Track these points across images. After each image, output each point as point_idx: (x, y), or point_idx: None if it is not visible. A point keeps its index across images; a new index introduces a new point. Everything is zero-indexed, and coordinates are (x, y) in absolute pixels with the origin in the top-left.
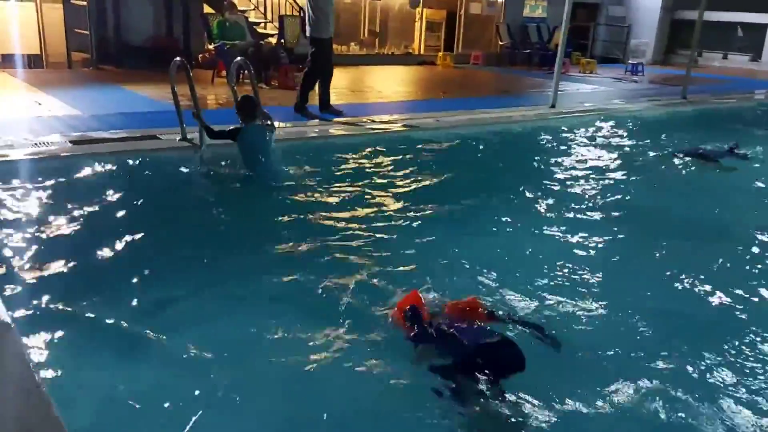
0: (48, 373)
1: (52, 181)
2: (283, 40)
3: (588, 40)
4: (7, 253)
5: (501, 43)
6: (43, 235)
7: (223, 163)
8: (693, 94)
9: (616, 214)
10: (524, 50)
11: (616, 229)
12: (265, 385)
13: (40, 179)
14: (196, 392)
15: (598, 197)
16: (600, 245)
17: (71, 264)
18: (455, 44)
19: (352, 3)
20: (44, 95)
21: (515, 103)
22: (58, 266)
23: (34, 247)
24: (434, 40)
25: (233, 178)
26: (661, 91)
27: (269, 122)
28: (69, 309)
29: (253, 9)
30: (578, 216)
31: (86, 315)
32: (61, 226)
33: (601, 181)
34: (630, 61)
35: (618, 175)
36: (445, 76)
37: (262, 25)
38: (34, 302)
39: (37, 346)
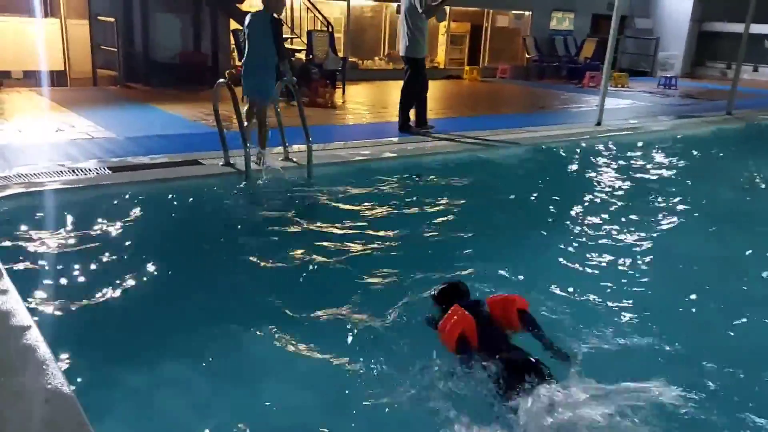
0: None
1: (93, 213)
2: (311, 56)
3: (617, 53)
4: (53, 286)
5: (528, 56)
6: (88, 270)
7: (269, 190)
8: (735, 108)
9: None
10: (552, 63)
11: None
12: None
13: (80, 211)
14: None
15: (667, 220)
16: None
17: (117, 298)
18: (480, 57)
19: (373, 17)
20: (74, 115)
21: (556, 119)
22: (106, 300)
23: (80, 281)
24: (457, 53)
25: (281, 206)
26: (703, 107)
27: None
28: (111, 341)
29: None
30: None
31: (126, 348)
32: (104, 260)
33: (670, 204)
34: (661, 74)
35: (687, 197)
36: (475, 91)
37: (289, 40)
38: (75, 332)
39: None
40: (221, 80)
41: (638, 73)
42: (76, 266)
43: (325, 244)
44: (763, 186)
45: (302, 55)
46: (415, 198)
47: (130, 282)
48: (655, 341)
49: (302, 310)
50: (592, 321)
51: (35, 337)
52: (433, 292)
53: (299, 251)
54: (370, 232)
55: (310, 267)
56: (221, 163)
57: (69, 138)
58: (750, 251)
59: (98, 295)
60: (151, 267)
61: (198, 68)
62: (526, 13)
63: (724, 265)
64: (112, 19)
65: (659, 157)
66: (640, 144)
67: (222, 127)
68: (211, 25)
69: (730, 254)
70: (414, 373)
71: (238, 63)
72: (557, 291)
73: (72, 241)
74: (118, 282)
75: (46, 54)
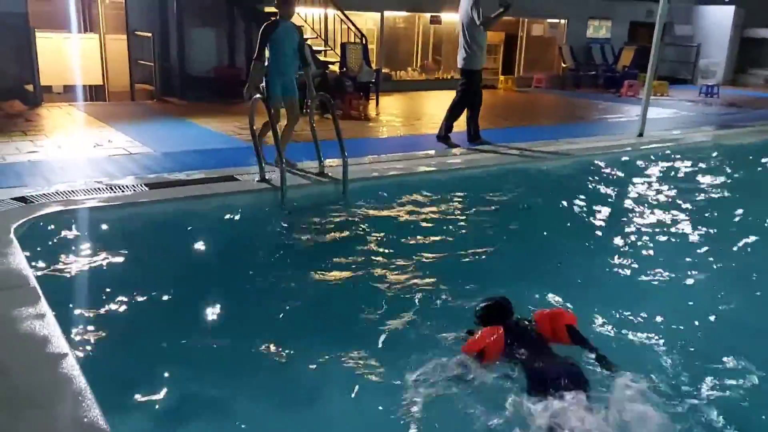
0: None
1: (130, 232)
2: (345, 68)
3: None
4: (91, 309)
5: (564, 65)
6: (125, 291)
7: (305, 206)
8: None
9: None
10: (589, 72)
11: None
12: None
13: (117, 230)
14: None
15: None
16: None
17: (154, 320)
18: (516, 67)
19: (406, 28)
20: (112, 130)
21: (596, 131)
22: (144, 323)
23: (118, 303)
24: (491, 63)
25: (316, 224)
26: (749, 115)
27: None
28: (148, 365)
29: (315, 37)
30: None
31: (163, 371)
32: (141, 281)
33: (722, 219)
34: (702, 82)
35: (741, 212)
36: (512, 101)
37: (323, 53)
38: (111, 356)
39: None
40: (257, 95)
41: (678, 81)
42: (113, 288)
43: (361, 262)
44: None
45: (336, 68)
46: (454, 213)
47: (170, 304)
48: (705, 363)
49: (338, 330)
50: (638, 336)
51: (71, 366)
52: (477, 310)
53: (334, 270)
54: (408, 249)
55: (347, 286)
56: (257, 179)
57: (107, 154)
58: None
59: (135, 318)
60: (189, 288)
61: (232, 82)
62: (562, 21)
63: None
64: (149, 34)
65: (707, 170)
66: (684, 156)
67: (257, 142)
68: (245, 39)
69: None
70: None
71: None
72: (604, 307)
73: (109, 261)
74: (156, 304)
75: (86, 69)
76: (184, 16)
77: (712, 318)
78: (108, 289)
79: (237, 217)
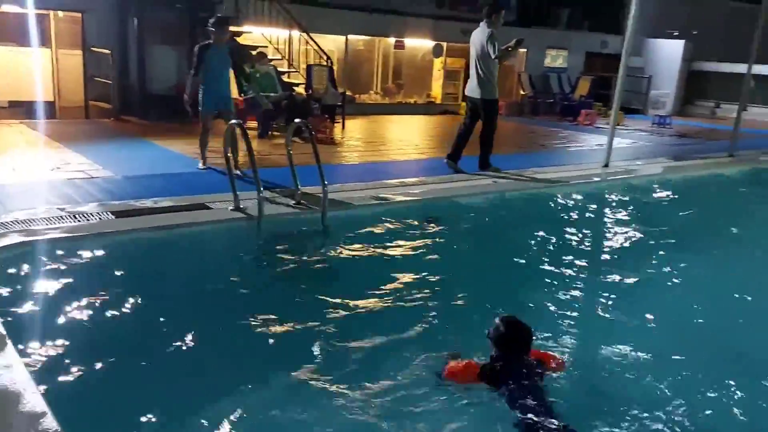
0: None
1: (98, 266)
2: (310, 91)
3: (610, 91)
4: (60, 352)
5: (523, 92)
6: (96, 331)
7: (282, 238)
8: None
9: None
10: (547, 100)
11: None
12: None
13: (84, 263)
14: None
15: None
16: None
17: (127, 360)
18: None
19: (366, 51)
20: (69, 151)
21: (561, 160)
22: (116, 364)
23: (89, 343)
24: (451, 89)
25: (295, 257)
26: (704, 147)
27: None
28: (121, 405)
29: (281, 59)
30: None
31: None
32: (112, 320)
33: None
34: (654, 113)
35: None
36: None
37: (287, 74)
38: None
39: None
40: (234, 121)
41: (631, 111)
42: (80, 327)
43: (343, 296)
44: None
45: (301, 89)
46: (432, 243)
47: (143, 343)
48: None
49: (315, 371)
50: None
51: (50, 426)
52: (499, 330)
53: (314, 307)
54: (389, 280)
55: (326, 325)
56: (230, 208)
57: (65, 177)
58: None
59: (108, 358)
60: (160, 326)
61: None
62: (521, 49)
63: None
64: (107, 51)
65: (675, 202)
66: (651, 187)
67: (232, 169)
68: None
69: None
70: None
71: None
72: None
73: (77, 299)
74: (129, 343)
75: (34, 84)
76: (145, 33)
77: (685, 348)
78: (74, 328)
79: (211, 250)
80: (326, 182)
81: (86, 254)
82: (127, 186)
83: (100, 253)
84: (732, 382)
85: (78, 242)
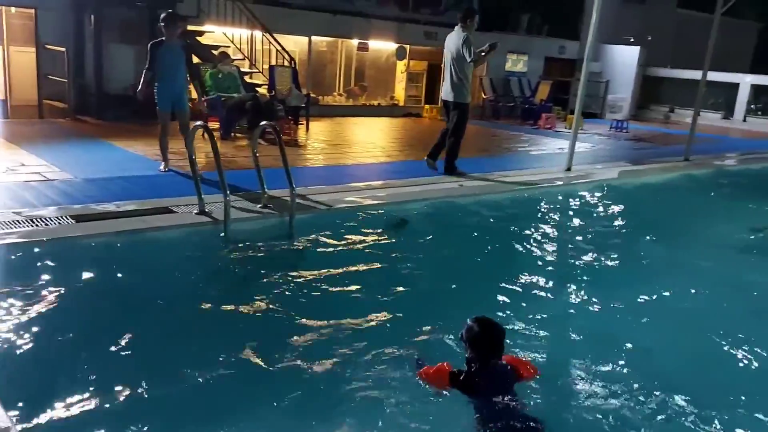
0: None
1: (58, 273)
2: (273, 92)
3: (568, 95)
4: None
5: (484, 96)
6: (57, 343)
7: (249, 242)
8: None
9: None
10: (508, 104)
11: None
12: None
13: (43, 270)
14: None
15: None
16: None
17: (91, 374)
18: (438, 96)
19: (329, 53)
20: (23, 152)
21: (524, 163)
22: (78, 377)
23: (51, 356)
24: (414, 91)
25: (263, 261)
26: (661, 151)
27: None
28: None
29: (243, 59)
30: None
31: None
32: (73, 330)
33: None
34: (612, 117)
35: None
36: (438, 130)
37: (249, 75)
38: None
39: None
40: (198, 123)
41: (588, 115)
42: (39, 336)
43: (312, 304)
44: None
45: (264, 90)
46: (399, 247)
47: (105, 350)
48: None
49: (284, 384)
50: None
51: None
52: (473, 331)
53: (281, 315)
54: (359, 286)
55: (295, 331)
56: (195, 212)
57: (21, 179)
58: None
59: (65, 367)
60: (124, 334)
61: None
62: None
63: None
64: (63, 49)
65: (636, 205)
66: (613, 191)
67: (197, 172)
68: None
69: None
70: None
71: (194, 97)
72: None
73: (34, 306)
74: (89, 351)
75: None
76: (102, 30)
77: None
78: (30, 337)
79: (176, 255)
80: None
81: (44, 260)
82: (87, 189)
83: (59, 259)
84: (701, 380)
85: (36, 248)
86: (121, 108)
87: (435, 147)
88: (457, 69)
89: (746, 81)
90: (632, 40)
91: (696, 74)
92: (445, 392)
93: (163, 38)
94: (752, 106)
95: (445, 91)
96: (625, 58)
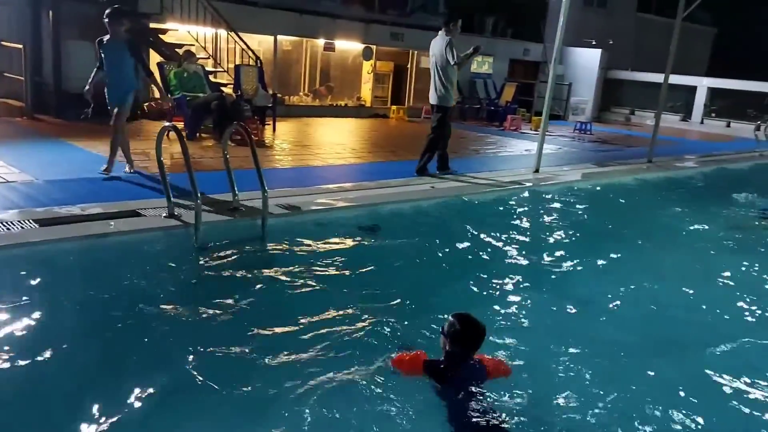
0: None
1: (23, 280)
2: (239, 92)
3: (533, 97)
4: None
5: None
6: (17, 349)
7: (220, 247)
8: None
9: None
10: (473, 105)
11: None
12: None
13: (6, 278)
14: None
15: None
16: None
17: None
18: (405, 97)
19: (295, 52)
20: None
21: (493, 165)
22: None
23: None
24: (381, 92)
25: (235, 266)
26: (625, 153)
27: None
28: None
29: (207, 57)
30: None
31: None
32: (33, 336)
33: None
34: (574, 119)
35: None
36: (405, 132)
37: (214, 74)
38: None
39: None
40: (167, 124)
41: (552, 117)
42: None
43: (286, 309)
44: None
45: (229, 90)
46: (372, 250)
47: (70, 360)
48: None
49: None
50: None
51: None
52: (455, 326)
53: (258, 322)
54: (334, 289)
55: (269, 338)
56: (164, 215)
57: None
58: None
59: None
60: (89, 344)
61: (100, 97)
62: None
63: None
64: (20, 45)
65: (603, 206)
66: (580, 192)
67: (165, 174)
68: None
69: None
70: None
71: (157, 96)
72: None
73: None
74: (54, 362)
75: None
76: (61, 27)
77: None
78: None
79: (145, 260)
80: (256, 187)
81: (6, 267)
82: (50, 191)
83: (22, 265)
84: (669, 374)
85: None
86: (81, 107)
87: (440, 158)
88: (441, 73)
89: (704, 84)
90: (594, 43)
91: (656, 77)
92: (414, 378)
93: (108, 35)
94: (709, 108)
95: (431, 95)
96: (588, 60)
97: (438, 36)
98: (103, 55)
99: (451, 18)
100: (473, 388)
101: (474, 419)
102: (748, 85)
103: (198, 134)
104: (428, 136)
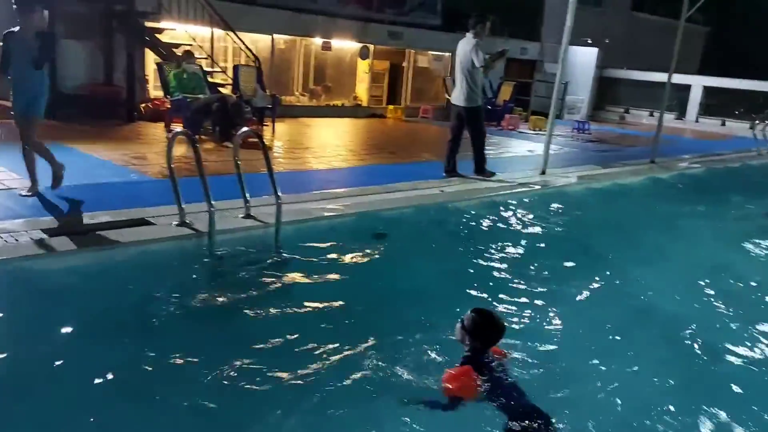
0: None
1: (35, 296)
2: (238, 92)
3: (529, 96)
4: None
5: (448, 97)
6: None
7: (235, 256)
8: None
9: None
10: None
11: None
12: None
13: (17, 293)
14: None
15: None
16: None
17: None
18: (402, 97)
19: (289, 52)
20: None
21: (498, 167)
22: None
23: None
24: (377, 91)
25: (250, 277)
26: (626, 153)
27: None
28: None
29: (205, 58)
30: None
31: None
32: (44, 354)
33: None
34: (570, 118)
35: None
36: (404, 131)
37: (211, 74)
38: None
39: None
40: (179, 130)
41: (548, 116)
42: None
43: (305, 323)
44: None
45: (227, 91)
46: (386, 257)
47: (85, 378)
48: None
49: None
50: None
51: None
52: (475, 320)
53: (274, 338)
54: (351, 302)
55: (288, 355)
56: (175, 223)
57: None
58: None
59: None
60: (113, 361)
61: (110, 102)
62: (446, 54)
63: None
64: None
65: (615, 207)
66: (590, 193)
67: (176, 182)
68: (126, 55)
69: None
70: None
71: (150, 95)
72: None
73: (11, 334)
74: (63, 380)
75: None
76: (55, 26)
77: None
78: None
79: (159, 272)
80: (258, 192)
81: (12, 281)
82: (54, 198)
83: (29, 278)
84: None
85: (4, 267)
86: (75, 108)
87: (449, 159)
88: (467, 75)
89: (698, 82)
90: (589, 41)
91: (650, 76)
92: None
93: (18, 27)
94: (705, 105)
95: (455, 96)
96: (583, 59)
97: (465, 38)
98: (7, 52)
99: (478, 20)
100: (504, 375)
101: (523, 403)
102: (743, 84)
103: (198, 136)
104: (450, 141)
